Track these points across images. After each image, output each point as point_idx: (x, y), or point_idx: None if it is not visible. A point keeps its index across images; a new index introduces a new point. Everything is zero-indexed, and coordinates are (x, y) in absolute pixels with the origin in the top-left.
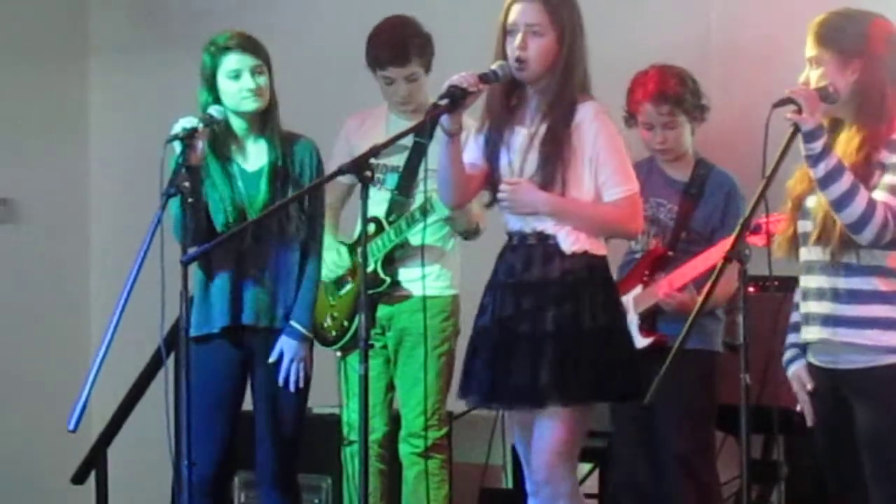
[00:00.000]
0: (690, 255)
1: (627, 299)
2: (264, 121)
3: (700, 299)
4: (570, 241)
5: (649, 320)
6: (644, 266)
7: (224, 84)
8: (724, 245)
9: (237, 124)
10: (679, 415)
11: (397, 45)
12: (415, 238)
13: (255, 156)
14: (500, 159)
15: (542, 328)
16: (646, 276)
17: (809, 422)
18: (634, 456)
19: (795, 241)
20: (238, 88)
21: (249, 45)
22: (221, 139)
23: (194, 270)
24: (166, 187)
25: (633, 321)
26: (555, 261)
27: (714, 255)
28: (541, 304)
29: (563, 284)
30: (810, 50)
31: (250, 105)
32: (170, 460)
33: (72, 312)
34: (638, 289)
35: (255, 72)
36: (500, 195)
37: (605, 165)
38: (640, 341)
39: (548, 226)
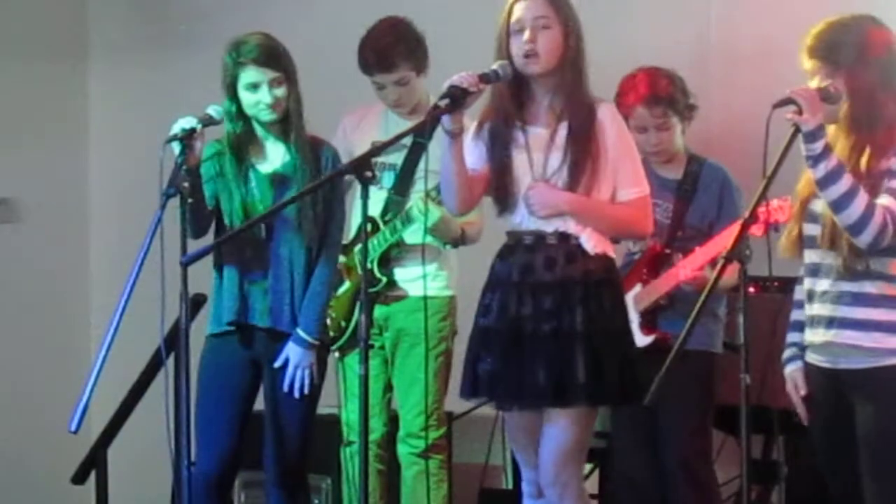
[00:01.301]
0: (688, 252)
1: (627, 299)
2: (284, 126)
3: (700, 300)
4: (594, 242)
5: (650, 318)
6: (642, 265)
7: (243, 94)
8: (733, 230)
9: (258, 127)
10: (679, 416)
11: (381, 53)
12: (410, 237)
13: (272, 158)
14: (511, 160)
15: (571, 327)
16: (644, 274)
17: (804, 421)
18: (634, 456)
19: (800, 243)
20: (256, 100)
21: (270, 57)
22: (244, 139)
23: (211, 269)
24: (166, 187)
25: (633, 320)
26: (578, 261)
27: (726, 237)
28: (566, 303)
29: (587, 285)
30: (804, 61)
31: (266, 117)
32: (170, 460)
33: (72, 312)
34: (637, 288)
35: (272, 85)
36: (526, 200)
37: (621, 166)
38: (642, 339)
39: (570, 226)
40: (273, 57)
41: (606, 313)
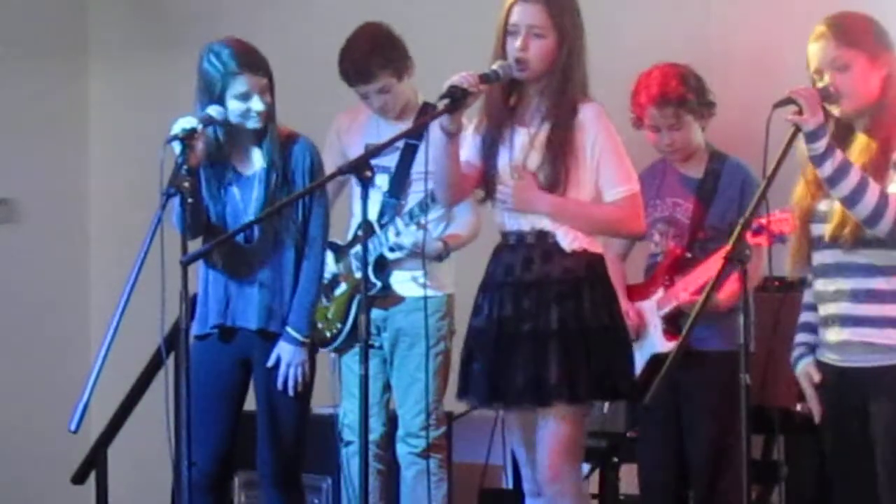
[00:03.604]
0: (709, 253)
1: (651, 304)
2: (262, 129)
3: (700, 300)
4: (570, 239)
5: (673, 324)
6: (664, 269)
7: (232, 103)
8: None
9: (237, 132)
10: (702, 417)
11: (358, 64)
12: (392, 253)
13: (252, 160)
14: (497, 158)
15: (546, 326)
16: (666, 279)
17: (817, 418)
18: (662, 458)
19: (807, 257)
20: (246, 108)
21: (259, 64)
22: (225, 146)
23: (200, 268)
24: (166, 187)
25: (657, 325)
26: (555, 259)
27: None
28: (542, 302)
29: (565, 282)
30: (832, 52)
31: (254, 125)
32: (170, 460)
33: (72, 312)
34: (660, 292)
35: (262, 92)
36: (499, 193)
37: (605, 166)
38: (664, 345)
39: (546, 224)
40: (261, 64)
41: (585, 311)
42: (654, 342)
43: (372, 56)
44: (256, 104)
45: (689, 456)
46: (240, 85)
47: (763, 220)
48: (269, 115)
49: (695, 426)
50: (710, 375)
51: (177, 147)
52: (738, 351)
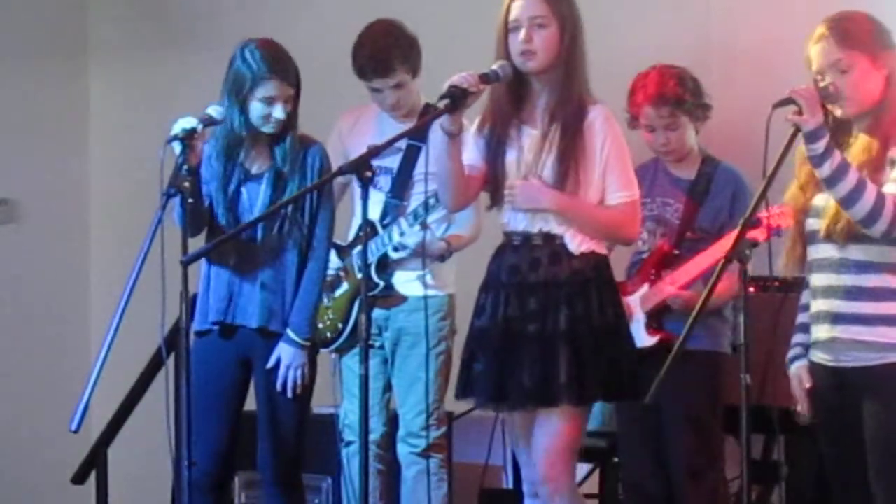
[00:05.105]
0: (696, 253)
1: (635, 299)
2: (280, 134)
3: (700, 300)
4: (577, 241)
5: (656, 319)
6: (650, 265)
7: (255, 104)
8: (728, 240)
9: (252, 130)
10: (683, 417)
11: (379, 58)
12: (396, 253)
13: (262, 159)
14: (505, 158)
15: (554, 328)
16: (652, 274)
17: (806, 412)
18: (641, 457)
19: (800, 256)
20: (267, 113)
21: (291, 72)
22: (240, 142)
23: (201, 264)
24: (166, 187)
25: (640, 320)
26: (562, 261)
27: (718, 250)
28: (550, 304)
29: (573, 284)
30: (833, 54)
31: (269, 130)
32: (170, 460)
33: (72, 312)
34: (644, 287)
35: (286, 101)
36: (507, 191)
37: (611, 170)
38: (647, 340)
39: (553, 226)
40: (292, 72)
41: (594, 312)
42: (637, 336)
43: (392, 49)
44: (278, 111)
45: (670, 460)
46: (267, 89)
47: (762, 215)
48: (288, 124)
49: (675, 425)
50: (691, 375)
51: (177, 147)
52: (721, 351)
